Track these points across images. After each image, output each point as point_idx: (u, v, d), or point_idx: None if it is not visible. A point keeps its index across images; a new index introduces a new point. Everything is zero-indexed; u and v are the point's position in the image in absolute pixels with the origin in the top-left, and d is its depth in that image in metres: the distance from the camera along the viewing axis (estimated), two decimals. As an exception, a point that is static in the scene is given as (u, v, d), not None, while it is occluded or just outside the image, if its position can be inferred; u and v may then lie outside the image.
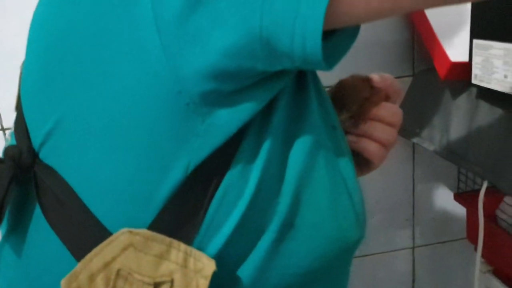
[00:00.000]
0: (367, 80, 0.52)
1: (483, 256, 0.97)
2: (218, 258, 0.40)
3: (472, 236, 0.98)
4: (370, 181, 1.15)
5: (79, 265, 0.40)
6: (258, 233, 0.41)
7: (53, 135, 0.42)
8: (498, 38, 0.72)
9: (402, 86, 1.06)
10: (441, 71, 0.84)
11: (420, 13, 0.91)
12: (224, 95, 0.38)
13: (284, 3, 0.34)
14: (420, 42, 1.03)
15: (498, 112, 0.80)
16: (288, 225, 0.42)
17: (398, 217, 1.20)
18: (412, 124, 1.01)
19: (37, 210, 0.44)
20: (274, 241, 0.42)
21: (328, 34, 0.37)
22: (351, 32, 0.40)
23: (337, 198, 0.44)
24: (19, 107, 0.47)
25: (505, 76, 0.72)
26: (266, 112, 0.41)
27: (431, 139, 0.95)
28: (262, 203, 0.41)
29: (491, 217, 0.96)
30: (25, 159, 0.44)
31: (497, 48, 0.73)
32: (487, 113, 0.82)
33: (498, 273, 0.95)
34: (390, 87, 0.53)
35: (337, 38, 0.38)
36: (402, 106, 1.06)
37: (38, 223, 0.44)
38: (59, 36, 0.42)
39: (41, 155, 0.44)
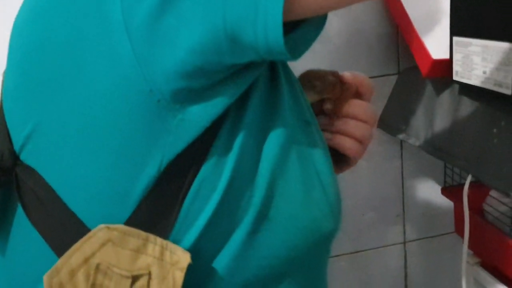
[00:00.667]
0: (337, 77, 0.54)
1: (471, 248, 0.99)
2: (194, 250, 0.41)
3: (460, 229, 1.00)
4: (360, 179, 1.18)
5: (60, 261, 0.41)
6: (233, 225, 0.43)
7: (33, 137, 0.44)
8: (476, 35, 0.74)
9: (388, 84, 1.09)
10: (423, 68, 0.86)
11: (402, 12, 0.93)
12: (195, 92, 0.39)
13: None
14: (404, 40, 1.05)
15: (479, 107, 0.82)
16: (263, 217, 0.43)
17: (389, 213, 1.21)
18: (398, 121, 1.03)
19: (19, 210, 0.46)
20: (249, 232, 0.43)
21: (293, 26, 0.39)
22: (317, 22, 0.41)
23: (311, 190, 0.46)
24: (1, 112, 0.48)
25: (484, 72, 0.74)
26: (239, 108, 0.43)
27: (416, 135, 0.97)
28: (236, 196, 0.42)
29: (478, 210, 0.98)
30: (6, 161, 0.45)
31: (475, 45, 0.75)
32: (469, 109, 0.84)
33: (485, 265, 0.97)
34: (362, 85, 0.54)
35: (302, 29, 0.40)
36: (388, 103, 1.08)
37: (21, 222, 0.46)
38: (36, 43, 0.43)
39: (22, 157, 0.45)
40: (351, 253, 1.23)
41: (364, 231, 1.22)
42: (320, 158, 0.47)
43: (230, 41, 0.37)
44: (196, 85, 0.39)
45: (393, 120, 1.05)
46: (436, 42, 0.87)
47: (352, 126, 0.54)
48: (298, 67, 1.10)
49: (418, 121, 0.97)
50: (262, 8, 0.36)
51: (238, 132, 0.42)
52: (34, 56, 0.43)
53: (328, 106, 0.53)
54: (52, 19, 0.42)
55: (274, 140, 0.44)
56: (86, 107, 0.40)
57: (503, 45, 0.69)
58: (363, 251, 1.24)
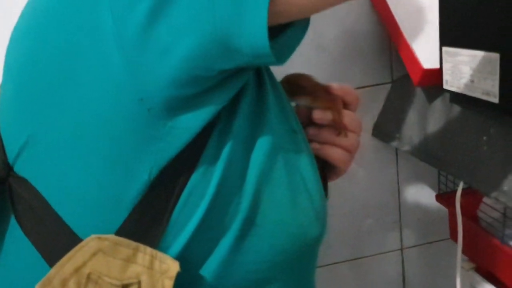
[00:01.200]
0: (326, 88, 0.56)
1: (466, 254, 1.00)
2: (182, 256, 0.42)
3: (455, 235, 1.01)
4: (357, 186, 1.19)
5: (52, 270, 0.42)
6: (221, 231, 0.44)
7: (26, 148, 0.45)
8: (464, 45, 0.76)
9: (382, 92, 1.11)
10: (415, 78, 0.88)
11: (393, 23, 0.95)
12: (186, 99, 0.41)
13: (232, 4, 0.37)
14: (396, 50, 1.07)
15: (469, 115, 0.83)
16: (250, 223, 0.45)
17: (385, 220, 1.23)
18: (392, 128, 1.04)
19: (12, 220, 0.47)
20: (237, 238, 0.44)
21: (279, 30, 0.41)
22: (301, 27, 0.43)
23: (297, 197, 0.47)
24: None
25: (472, 81, 0.76)
26: (229, 115, 0.44)
27: (410, 143, 0.98)
28: (224, 202, 0.44)
29: (472, 216, 0.99)
30: (0, 172, 0.46)
31: (463, 55, 0.76)
32: (460, 116, 0.86)
33: (480, 271, 0.98)
34: (348, 95, 0.56)
35: (287, 33, 0.41)
36: (382, 112, 1.10)
37: (14, 232, 0.47)
38: (32, 55, 0.45)
39: (15, 168, 0.47)
40: (349, 260, 1.25)
41: (362, 238, 1.24)
42: (306, 165, 0.49)
43: (220, 46, 0.38)
44: (187, 92, 0.40)
45: (387, 128, 1.07)
46: (427, 52, 0.88)
47: (339, 136, 0.55)
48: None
49: (411, 128, 0.99)
50: (248, 13, 0.37)
51: (227, 140, 0.44)
52: (30, 68, 0.45)
53: (317, 115, 0.55)
54: (47, 32, 0.44)
55: (261, 147, 0.45)
56: (78, 116, 0.41)
57: (490, 55, 0.70)
58: (361, 258, 1.25)
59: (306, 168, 0.49)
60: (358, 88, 1.11)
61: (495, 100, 0.71)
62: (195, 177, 0.43)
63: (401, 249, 1.25)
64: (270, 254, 0.46)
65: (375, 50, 1.09)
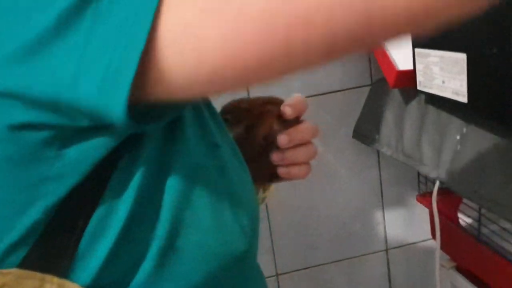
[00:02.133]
0: (278, 114, 0.56)
1: (447, 253, 1.01)
2: (95, 285, 0.41)
3: (435, 235, 1.03)
4: (341, 189, 1.21)
5: None
6: (136, 260, 0.43)
7: None
8: (434, 46, 0.78)
9: (362, 95, 1.12)
10: (390, 79, 0.90)
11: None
12: (68, 136, 0.39)
13: (92, 89, 0.35)
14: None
15: (443, 115, 0.85)
16: (169, 249, 0.43)
17: (369, 222, 1.24)
18: (372, 130, 1.06)
19: None
20: (156, 265, 0.43)
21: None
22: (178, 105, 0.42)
23: (220, 215, 0.46)
24: None
25: (443, 82, 0.77)
26: (135, 148, 0.43)
27: (388, 144, 1.00)
28: (137, 231, 0.42)
29: (453, 216, 1.01)
30: None
31: (434, 55, 0.78)
32: (435, 117, 0.87)
33: (460, 269, 0.99)
34: (300, 111, 0.57)
35: (158, 109, 0.39)
36: (362, 114, 1.12)
37: None
38: None
39: None
40: (336, 261, 1.26)
41: (348, 239, 1.25)
42: (230, 179, 0.48)
43: (85, 116, 0.37)
44: (65, 131, 0.38)
45: (367, 129, 1.08)
46: (402, 54, 0.90)
47: (303, 153, 0.56)
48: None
49: (389, 130, 1.00)
50: (110, 97, 0.35)
51: (135, 170, 0.42)
52: None
53: (282, 140, 0.55)
54: None
55: (177, 172, 0.44)
56: None
57: (457, 56, 0.72)
58: (347, 259, 1.26)
59: (232, 183, 0.48)
60: (339, 90, 1.13)
61: (464, 99, 0.73)
62: (100, 210, 0.41)
63: (386, 250, 1.27)
64: (195, 276, 0.45)
65: (355, 54, 1.11)
